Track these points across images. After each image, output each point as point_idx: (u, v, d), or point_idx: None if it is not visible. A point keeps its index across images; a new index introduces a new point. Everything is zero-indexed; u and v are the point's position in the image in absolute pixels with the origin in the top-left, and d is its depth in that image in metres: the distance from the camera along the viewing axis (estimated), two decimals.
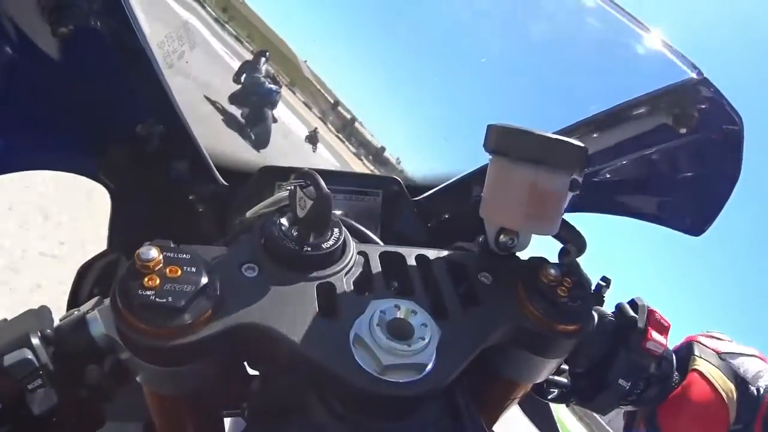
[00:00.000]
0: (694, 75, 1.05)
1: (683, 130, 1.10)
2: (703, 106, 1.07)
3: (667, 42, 1.10)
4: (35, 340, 0.62)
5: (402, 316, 0.63)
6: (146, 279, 0.57)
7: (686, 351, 0.94)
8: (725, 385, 0.88)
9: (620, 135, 1.19)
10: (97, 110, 1.05)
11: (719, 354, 0.91)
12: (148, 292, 0.56)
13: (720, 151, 1.14)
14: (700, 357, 0.92)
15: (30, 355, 0.60)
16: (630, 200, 1.34)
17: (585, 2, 1.16)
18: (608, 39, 1.27)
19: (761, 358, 0.91)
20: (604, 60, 1.31)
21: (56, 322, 0.67)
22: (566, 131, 1.19)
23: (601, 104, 1.15)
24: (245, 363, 0.87)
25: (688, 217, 1.28)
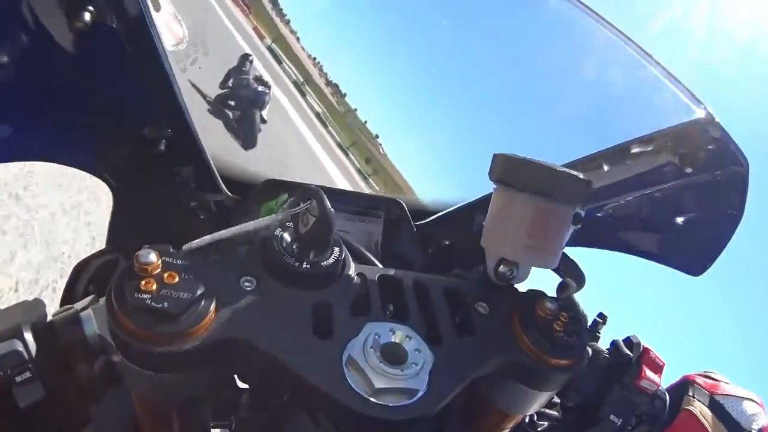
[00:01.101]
0: (703, 115, 1.05)
1: (689, 170, 1.10)
2: (711, 147, 1.07)
3: (678, 80, 1.10)
4: (27, 333, 0.62)
5: (396, 341, 0.63)
6: (143, 282, 0.57)
7: (680, 390, 0.94)
8: (716, 428, 0.87)
9: (625, 171, 1.19)
10: (107, 108, 1.06)
11: (714, 395, 0.90)
12: (144, 296, 0.56)
13: (724, 192, 1.13)
14: (694, 397, 0.91)
15: (20, 348, 0.60)
16: (631, 237, 1.34)
17: (599, 37, 1.16)
18: (619, 74, 1.27)
19: (757, 402, 0.90)
20: (613, 95, 1.32)
21: (49, 317, 0.67)
22: (572, 164, 1.19)
23: (609, 140, 1.15)
24: (235, 376, 0.87)
25: (688, 257, 1.28)
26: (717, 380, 0.93)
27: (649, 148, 1.13)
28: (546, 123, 1.44)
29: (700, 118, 1.06)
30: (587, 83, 1.35)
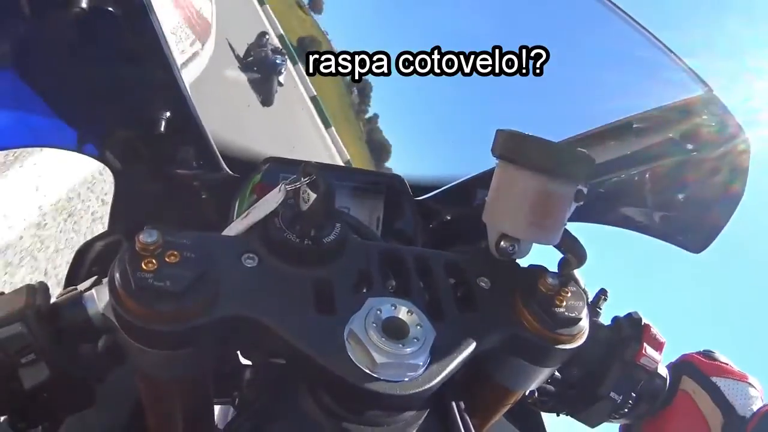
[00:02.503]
0: (703, 92, 1.05)
1: (690, 146, 1.10)
2: (712, 124, 1.07)
3: (679, 57, 1.10)
4: (30, 316, 0.62)
5: (398, 316, 0.63)
6: (145, 262, 0.57)
7: (679, 369, 0.94)
8: (711, 410, 0.87)
9: (627, 147, 1.19)
10: (106, 91, 1.05)
11: (711, 377, 0.90)
12: (147, 275, 0.56)
13: (726, 169, 1.13)
14: (691, 378, 0.91)
15: (24, 330, 0.61)
16: (632, 213, 1.34)
17: (600, 15, 1.15)
18: (621, 51, 1.26)
19: (754, 386, 0.90)
20: (615, 72, 1.31)
21: (53, 299, 0.67)
22: (574, 141, 1.19)
23: (610, 116, 1.15)
24: (238, 352, 0.87)
25: (689, 233, 1.27)
26: (716, 360, 0.93)
27: (650, 125, 1.12)
28: (547, 98, 1.44)
29: (701, 94, 1.05)
30: (587, 60, 1.35)
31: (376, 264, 0.72)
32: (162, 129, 1.09)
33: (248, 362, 0.90)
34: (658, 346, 0.91)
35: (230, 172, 1.22)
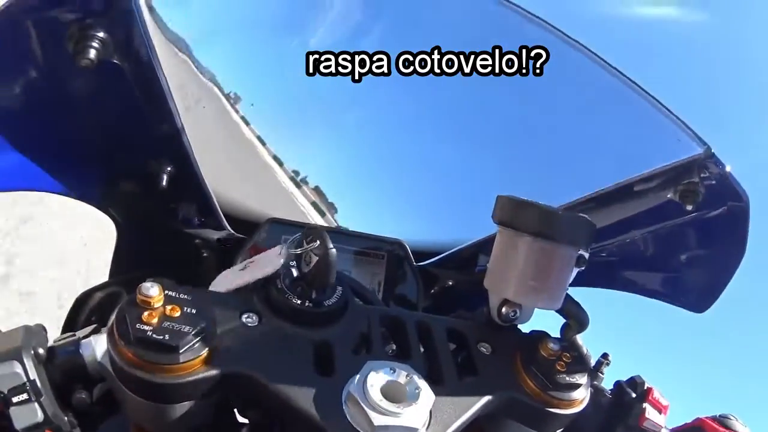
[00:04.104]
0: (702, 151, 1.05)
1: (690, 207, 1.10)
2: (711, 183, 1.07)
3: (677, 116, 1.11)
4: (26, 356, 0.62)
5: (397, 379, 0.63)
6: (146, 314, 0.58)
7: None
8: None
9: (627, 210, 1.19)
10: (110, 142, 1.07)
11: None
12: (146, 327, 0.57)
13: (725, 228, 1.13)
14: None
15: (19, 369, 0.60)
16: (634, 276, 1.34)
17: (596, 75, 1.17)
18: (618, 112, 1.27)
19: None
20: (612, 133, 1.32)
21: (50, 342, 0.67)
22: (574, 205, 1.20)
23: (609, 179, 1.16)
24: (235, 410, 0.86)
25: (691, 294, 1.27)
26: (730, 430, 0.91)
27: (649, 186, 1.13)
28: (547, 162, 1.45)
29: (700, 154, 1.06)
30: (585, 122, 1.36)
31: (377, 328, 0.72)
32: (164, 184, 1.10)
33: (245, 420, 0.90)
34: (662, 408, 0.89)
35: (232, 231, 1.23)
